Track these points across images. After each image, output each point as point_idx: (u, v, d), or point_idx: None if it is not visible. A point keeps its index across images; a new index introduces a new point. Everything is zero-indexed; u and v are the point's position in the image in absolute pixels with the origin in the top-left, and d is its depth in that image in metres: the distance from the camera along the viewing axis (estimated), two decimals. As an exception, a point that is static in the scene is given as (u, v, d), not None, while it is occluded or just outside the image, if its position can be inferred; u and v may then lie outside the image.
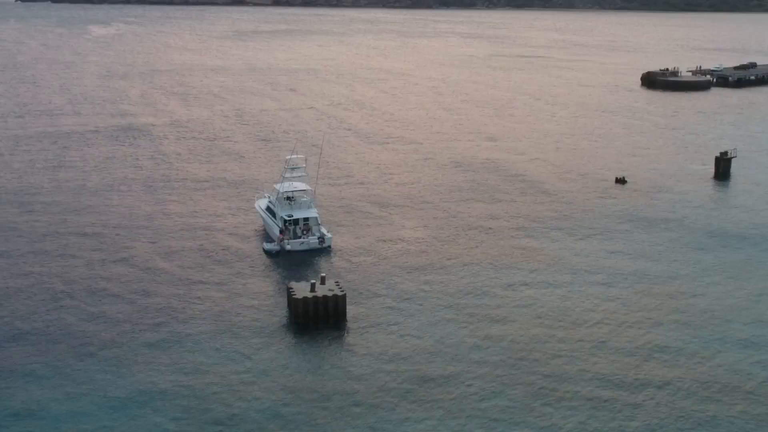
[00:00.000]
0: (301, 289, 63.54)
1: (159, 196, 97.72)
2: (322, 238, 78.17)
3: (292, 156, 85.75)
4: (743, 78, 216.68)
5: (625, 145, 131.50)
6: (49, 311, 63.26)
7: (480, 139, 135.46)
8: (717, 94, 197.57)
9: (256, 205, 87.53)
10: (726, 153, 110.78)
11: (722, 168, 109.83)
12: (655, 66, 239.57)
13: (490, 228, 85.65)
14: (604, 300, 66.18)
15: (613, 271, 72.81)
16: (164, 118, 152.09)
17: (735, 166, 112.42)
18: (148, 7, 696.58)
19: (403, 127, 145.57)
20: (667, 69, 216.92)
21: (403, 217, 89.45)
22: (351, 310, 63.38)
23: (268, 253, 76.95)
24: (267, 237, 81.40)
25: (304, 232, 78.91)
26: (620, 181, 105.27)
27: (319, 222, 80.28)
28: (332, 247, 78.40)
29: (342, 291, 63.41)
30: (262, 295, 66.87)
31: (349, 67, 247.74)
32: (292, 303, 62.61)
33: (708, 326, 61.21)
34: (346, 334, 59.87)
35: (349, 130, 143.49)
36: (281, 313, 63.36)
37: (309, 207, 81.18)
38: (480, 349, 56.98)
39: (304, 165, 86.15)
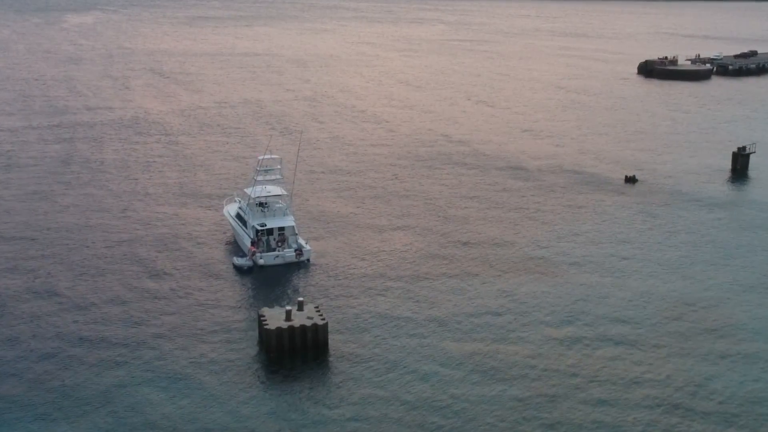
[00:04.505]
0: (275, 317, 53.71)
1: (115, 200, 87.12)
2: (299, 251, 68.10)
3: (266, 156, 75.21)
4: (744, 67, 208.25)
5: (631, 139, 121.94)
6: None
7: (473, 134, 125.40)
8: (718, 84, 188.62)
9: (224, 212, 77.23)
10: (744, 148, 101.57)
11: (740, 164, 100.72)
12: (649, 54, 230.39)
13: (485, 235, 75.94)
14: (620, 323, 56.68)
15: (628, 286, 63.32)
16: (124, 113, 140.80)
17: (753, 162, 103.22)
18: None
19: (389, 123, 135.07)
20: (666, 57, 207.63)
21: (390, 224, 79.51)
22: (333, 342, 53.72)
23: (238, 268, 66.83)
24: (237, 249, 71.16)
25: (279, 243, 68.84)
26: (630, 179, 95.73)
27: (297, 232, 70.19)
28: (311, 260, 68.41)
29: (323, 319, 53.74)
30: (230, 323, 56.82)
31: (326, 56, 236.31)
32: (265, 334, 52.78)
33: (739, 347, 52.00)
34: (328, 371, 50.33)
35: (329, 127, 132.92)
36: (252, 345, 53.47)
37: (285, 214, 71.00)
38: (484, 399, 47.27)
39: (279, 166, 75.49)
